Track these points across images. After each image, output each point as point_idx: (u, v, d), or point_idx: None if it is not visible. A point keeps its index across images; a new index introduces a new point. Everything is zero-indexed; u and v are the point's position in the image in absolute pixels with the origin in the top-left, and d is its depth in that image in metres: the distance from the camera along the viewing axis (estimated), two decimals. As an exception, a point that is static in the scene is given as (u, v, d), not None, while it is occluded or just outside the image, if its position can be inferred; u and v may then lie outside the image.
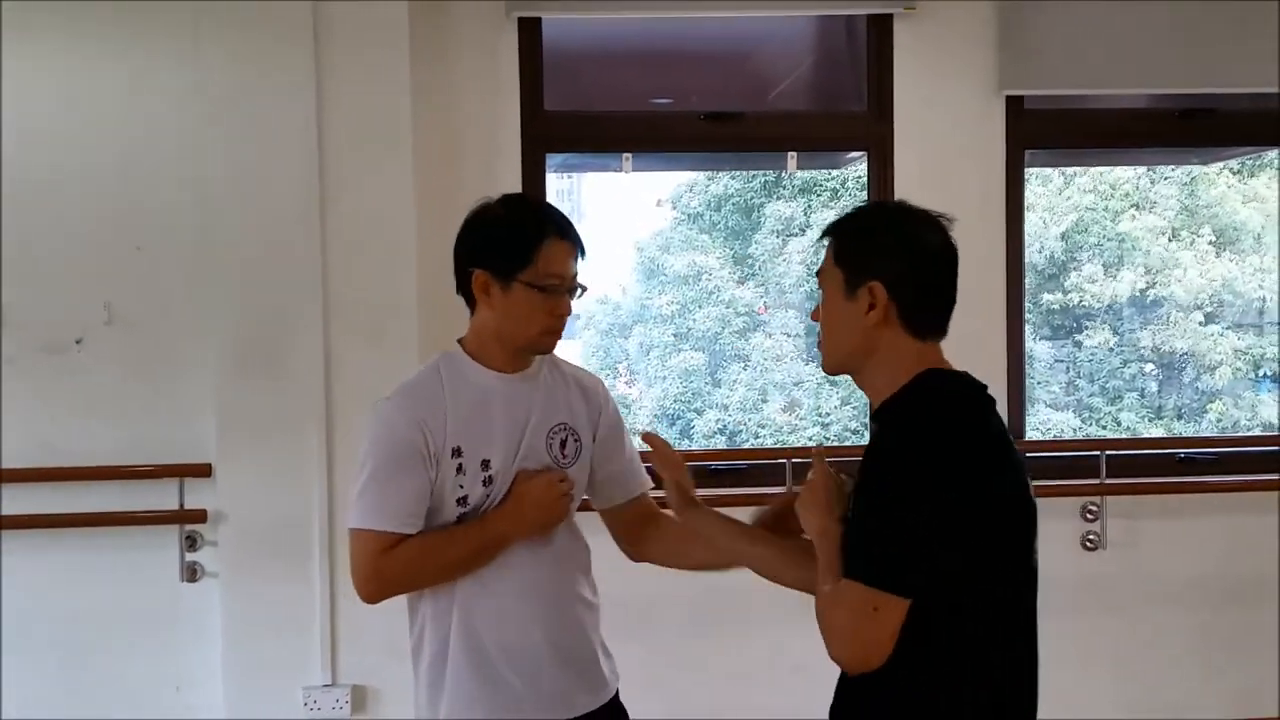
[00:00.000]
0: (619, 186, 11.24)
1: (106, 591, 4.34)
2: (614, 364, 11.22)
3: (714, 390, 10.95)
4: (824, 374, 2.27)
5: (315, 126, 4.14)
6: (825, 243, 2.24)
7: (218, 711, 4.21)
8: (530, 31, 4.63)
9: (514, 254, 2.49)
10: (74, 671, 4.35)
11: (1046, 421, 10.48)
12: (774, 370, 10.70)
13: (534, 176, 4.64)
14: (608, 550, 2.78)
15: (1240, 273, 10.83)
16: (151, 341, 4.38)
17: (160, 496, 4.28)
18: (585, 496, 2.73)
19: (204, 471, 4.24)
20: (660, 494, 2.67)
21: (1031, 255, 9.81)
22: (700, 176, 11.12)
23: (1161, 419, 10.93)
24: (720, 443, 10.34)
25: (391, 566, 2.47)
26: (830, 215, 3.49)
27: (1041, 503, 4.72)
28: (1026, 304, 5.01)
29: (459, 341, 2.61)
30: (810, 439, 9.87)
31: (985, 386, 2.19)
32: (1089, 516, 4.74)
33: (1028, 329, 4.99)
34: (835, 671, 2.19)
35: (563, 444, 2.60)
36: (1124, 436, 10.10)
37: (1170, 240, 10.94)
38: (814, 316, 2.27)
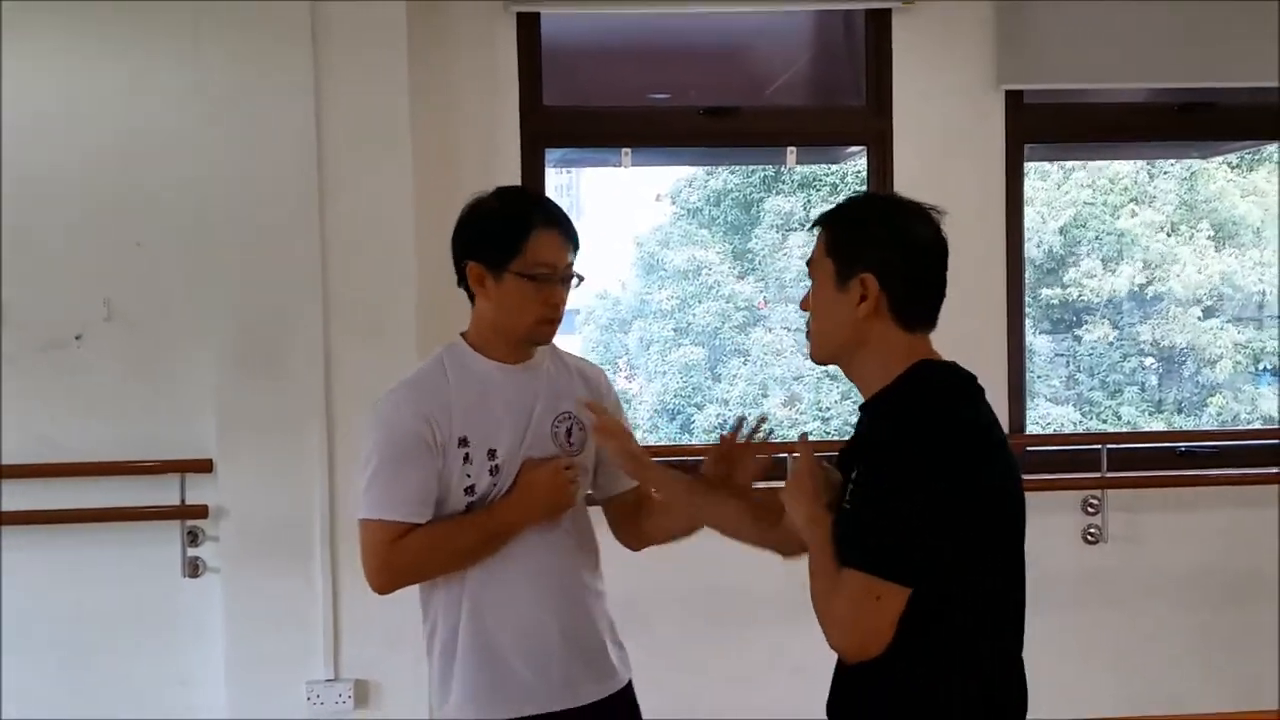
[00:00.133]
0: (618, 182, 11.26)
1: (108, 587, 4.34)
2: (614, 359, 11.24)
3: (714, 385, 10.97)
4: (812, 364, 2.27)
5: (314, 125, 4.14)
6: (817, 233, 2.25)
7: (220, 707, 4.21)
8: (529, 27, 4.63)
9: (504, 244, 2.51)
10: (76, 668, 4.35)
11: (1046, 416, 10.49)
12: (774, 365, 10.71)
13: (533, 172, 4.64)
14: (608, 552, 2.78)
15: (1240, 267, 10.84)
16: (152, 338, 4.38)
17: (162, 492, 4.28)
18: (589, 491, 2.76)
19: (205, 467, 4.25)
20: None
21: (1030, 250, 9.81)
22: (699, 171, 11.13)
23: (1162, 413, 10.95)
24: (712, 435, 10.35)
25: (401, 556, 2.48)
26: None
27: (1043, 497, 4.78)
28: (1026, 298, 5.01)
29: (462, 334, 2.63)
30: (812, 434, 9.89)
31: (974, 377, 2.19)
32: (1090, 510, 4.74)
33: (1027, 323, 4.98)
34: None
35: (568, 432, 2.61)
36: (1125, 430, 10.11)
37: (1169, 235, 10.95)
38: (804, 306, 2.27)
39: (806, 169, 10.53)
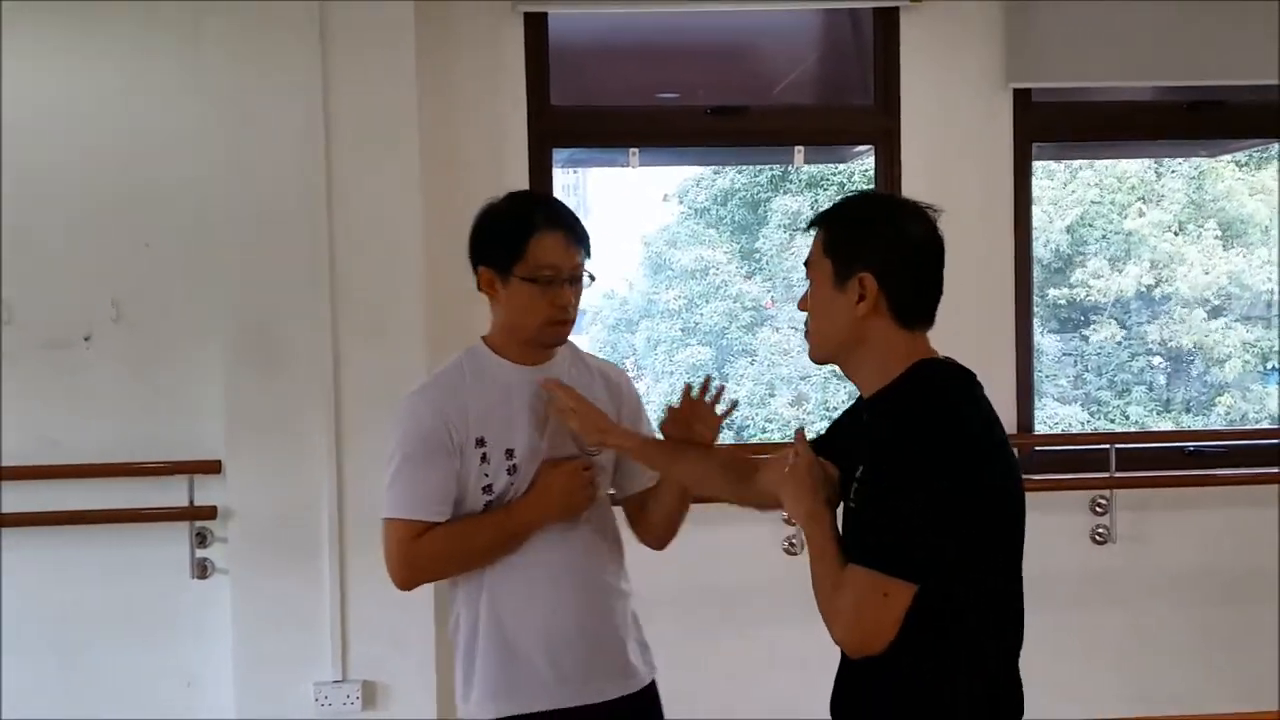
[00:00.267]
0: (625, 181, 11.26)
1: (117, 588, 4.35)
2: (621, 359, 11.23)
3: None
4: (811, 363, 2.30)
5: (322, 124, 4.14)
6: (813, 233, 2.26)
7: (228, 708, 4.21)
8: (536, 27, 4.63)
9: (508, 248, 2.55)
10: (84, 668, 4.36)
11: (1054, 415, 10.48)
12: (781, 364, 10.72)
13: (540, 172, 4.64)
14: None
15: (1248, 266, 10.82)
16: (160, 339, 4.38)
17: (170, 493, 4.29)
18: (612, 490, 2.78)
19: (214, 468, 4.25)
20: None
21: (1037, 250, 9.80)
22: (706, 171, 11.13)
23: (1170, 412, 10.93)
24: (727, 437, 10.30)
25: (421, 553, 2.54)
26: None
27: (1051, 497, 4.77)
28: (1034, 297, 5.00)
29: (483, 338, 2.67)
30: (818, 433, 9.88)
31: (973, 374, 2.20)
32: (1098, 510, 4.73)
33: (1034, 323, 4.97)
34: (835, 669, 2.22)
35: None
36: (1133, 430, 10.09)
37: (1176, 234, 10.93)
38: (801, 306, 2.28)
39: (814, 168, 10.54)
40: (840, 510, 2.20)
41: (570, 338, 2.70)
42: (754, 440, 9.91)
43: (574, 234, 2.58)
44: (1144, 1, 4.69)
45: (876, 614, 2.02)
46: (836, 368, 2.28)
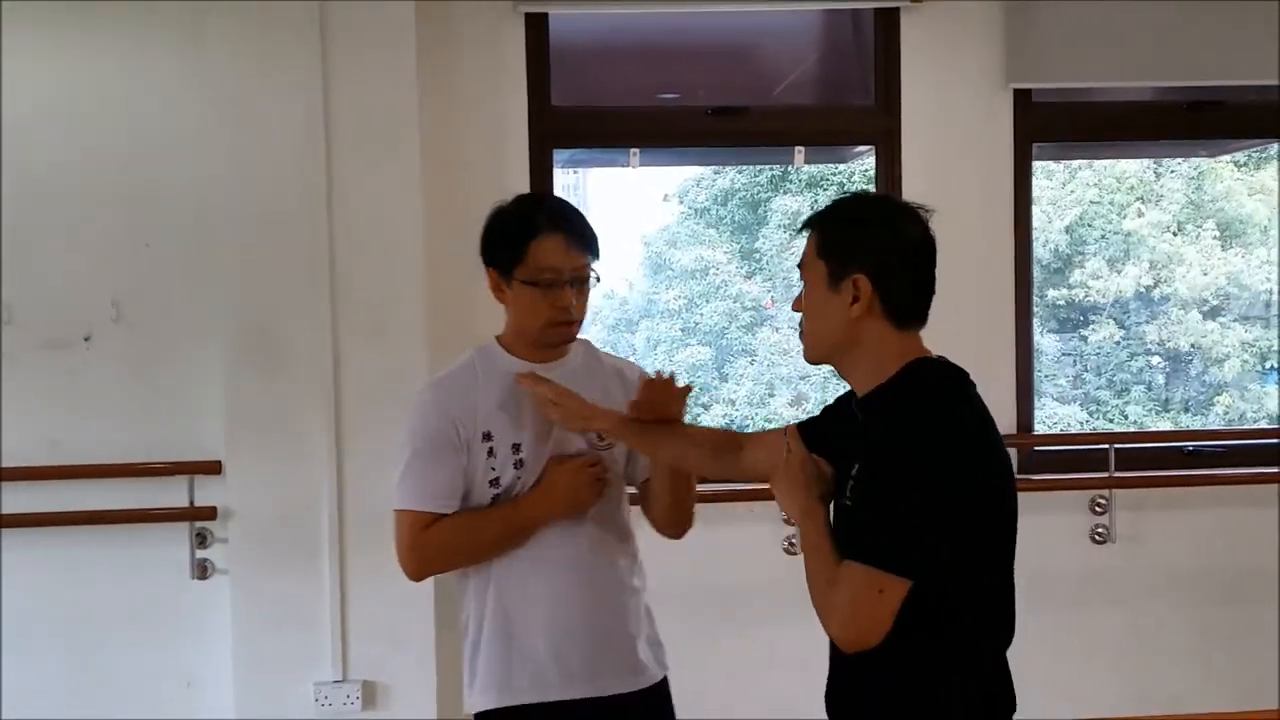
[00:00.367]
0: (625, 182, 11.26)
1: (117, 589, 4.35)
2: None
3: (721, 385, 10.96)
4: (807, 364, 2.33)
5: (322, 124, 4.14)
6: (805, 235, 2.27)
7: (228, 708, 4.21)
8: (537, 27, 4.63)
9: (510, 251, 2.60)
10: (85, 669, 4.36)
11: (1053, 415, 10.48)
12: (781, 364, 10.71)
13: (541, 173, 4.64)
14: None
15: (1246, 266, 10.82)
16: (160, 339, 4.38)
17: (170, 494, 4.29)
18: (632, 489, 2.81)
19: (214, 469, 4.25)
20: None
21: (1036, 250, 9.81)
22: (707, 171, 11.13)
23: (1168, 412, 10.93)
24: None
25: (429, 544, 2.59)
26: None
27: (1050, 496, 4.77)
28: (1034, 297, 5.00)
29: (496, 337, 2.72)
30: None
31: (966, 373, 2.22)
32: (1098, 510, 4.73)
33: (1034, 322, 4.98)
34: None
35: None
36: (1132, 430, 10.10)
37: (1175, 234, 10.93)
38: (795, 307, 2.30)
39: (814, 168, 10.53)
40: (837, 507, 2.21)
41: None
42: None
43: (576, 236, 2.60)
44: (1144, 1, 4.70)
45: (871, 610, 2.04)
46: (813, 366, 2.30)
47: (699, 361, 10.90)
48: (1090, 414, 10.81)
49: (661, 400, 2.59)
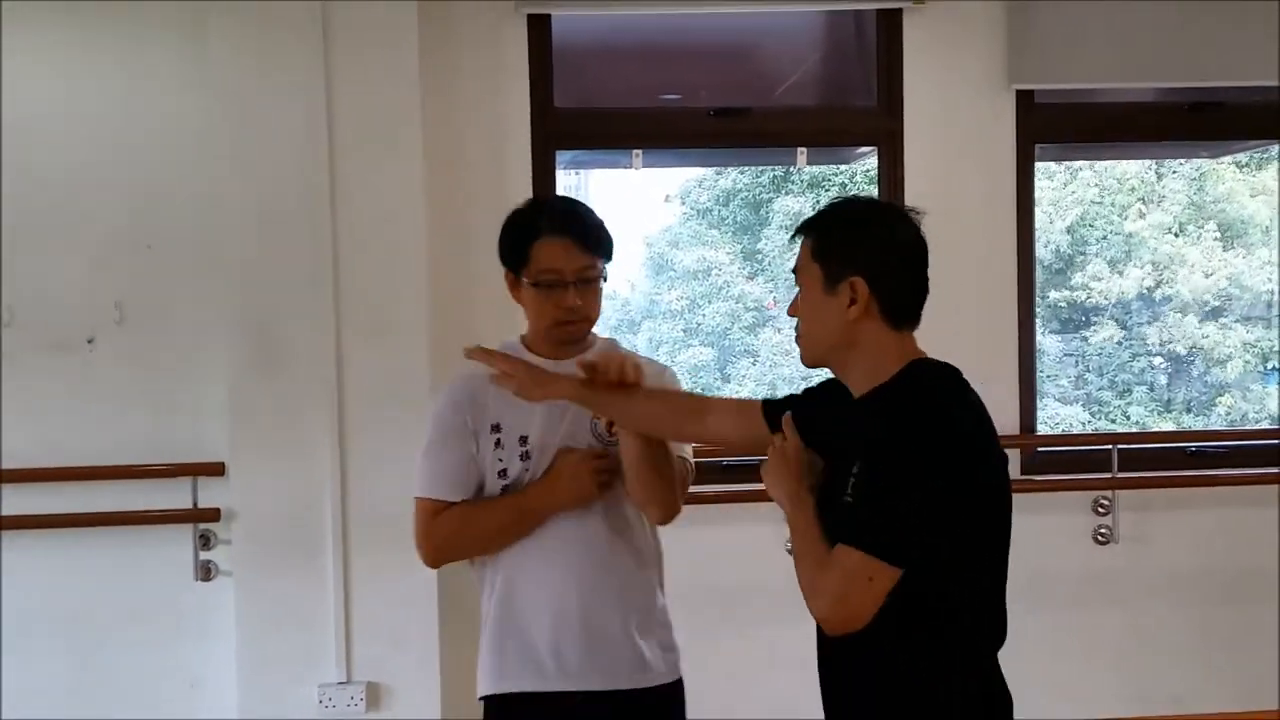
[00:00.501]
0: (628, 182, 11.26)
1: (121, 591, 4.36)
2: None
3: (723, 385, 10.96)
4: (804, 367, 2.36)
5: (325, 124, 4.14)
6: (799, 240, 2.31)
7: (232, 710, 4.21)
8: (539, 28, 4.63)
9: (516, 253, 2.65)
10: (88, 670, 4.37)
11: (1055, 416, 10.49)
12: (783, 365, 10.71)
13: (544, 174, 4.64)
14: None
15: (1248, 267, 10.83)
16: (163, 341, 4.39)
17: (174, 495, 4.29)
18: None
19: (217, 470, 4.26)
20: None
21: (1037, 250, 9.82)
22: (708, 172, 11.13)
23: (1170, 412, 10.93)
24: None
25: (439, 529, 2.66)
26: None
27: (1053, 497, 4.77)
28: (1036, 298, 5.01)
29: (521, 335, 2.76)
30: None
31: (960, 372, 2.24)
32: (1100, 511, 4.73)
33: (1036, 323, 4.98)
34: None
35: (609, 424, 2.66)
36: (1135, 431, 10.10)
37: (1176, 236, 10.93)
38: (792, 311, 2.33)
39: (816, 169, 10.53)
40: (839, 505, 2.21)
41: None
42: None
43: (579, 237, 2.63)
44: (1146, 2, 4.70)
45: (860, 594, 2.07)
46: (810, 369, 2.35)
47: (701, 362, 10.91)
48: (1092, 415, 10.81)
49: (616, 374, 2.57)
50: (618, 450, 2.65)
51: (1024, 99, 4.78)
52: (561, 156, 4.79)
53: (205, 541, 4.31)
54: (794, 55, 5.10)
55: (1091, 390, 11.02)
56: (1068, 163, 10.36)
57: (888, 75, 4.77)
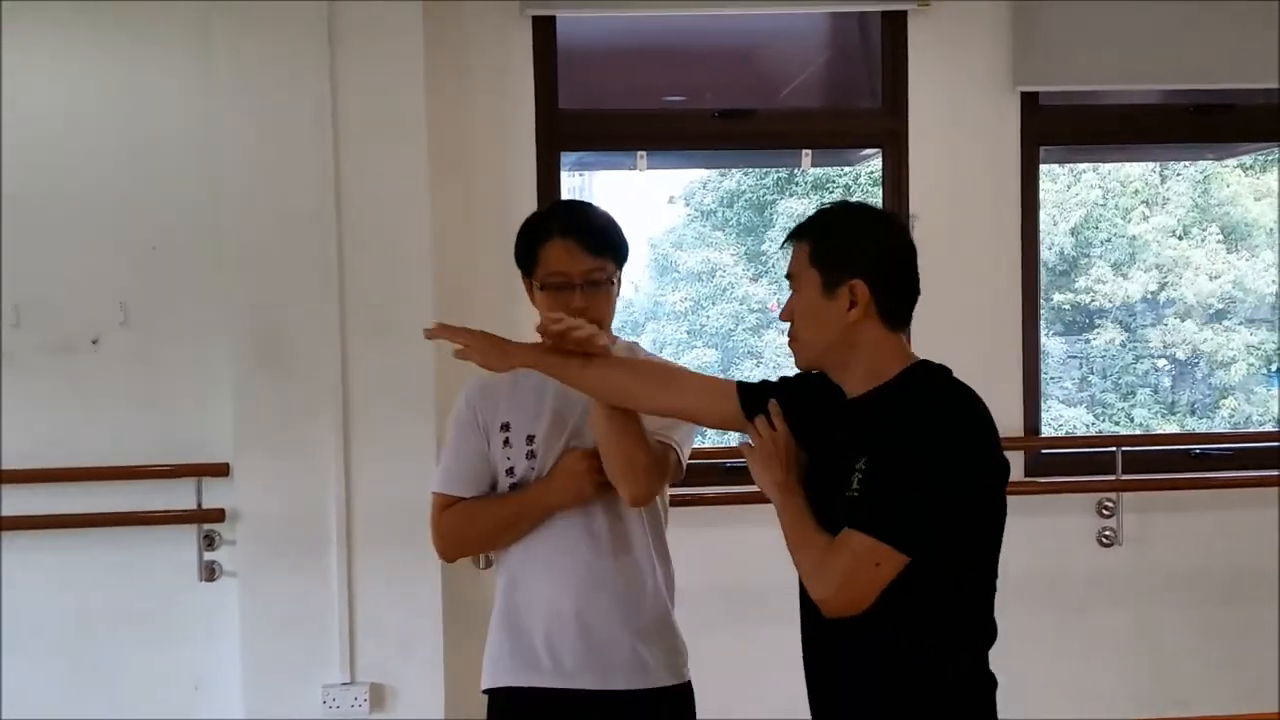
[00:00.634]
0: (632, 184, 11.25)
1: (125, 591, 4.36)
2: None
3: (726, 387, 10.93)
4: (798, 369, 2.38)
5: (330, 125, 4.15)
6: (791, 246, 2.34)
7: (236, 711, 4.22)
8: (544, 30, 4.63)
9: (527, 257, 2.69)
10: (93, 671, 4.37)
11: (1059, 417, 10.48)
12: (786, 367, 10.66)
13: (548, 175, 4.64)
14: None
15: (1252, 269, 10.82)
16: (167, 341, 4.39)
17: (178, 496, 4.30)
18: None
19: (221, 471, 4.26)
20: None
21: (1041, 252, 9.80)
22: (712, 173, 11.13)
23: (1175, 414, 10.92)
24: (734, 440, 10.31)
25: (448, 524, 2.73)
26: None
27: (1057, 499, 4.77)
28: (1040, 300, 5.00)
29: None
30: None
31: (950, 371, 2.28)
32: (1105, 513, 4.73)
33: (1040, 325, 4.98)
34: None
35: None
36: (1139, 433, 10.09)
37: (1180, 238, 10.92)
38: (784, 316, 2.37)
39: (820, 171, 10.53)
40: (843, 499, 2.23)
41: None
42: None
43: (585, 240, 2.64)
44: (1151, 4, 4.70)
45: (867, 579, 2.12)
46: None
47: (705, 364, 10.89)
48: (1096, 417, 10.80)
49: (576, 344, 2.52)
50: None
51: (1029, 101, 4.79)
52: (566, 158, 4.79)
53: (209, 542, 4.32)
54: (799, 57, 5.10)
55: (1095, 392, 11.01)
56: (1071, 165, 10.35)
57: (892, 77, 4.78)
